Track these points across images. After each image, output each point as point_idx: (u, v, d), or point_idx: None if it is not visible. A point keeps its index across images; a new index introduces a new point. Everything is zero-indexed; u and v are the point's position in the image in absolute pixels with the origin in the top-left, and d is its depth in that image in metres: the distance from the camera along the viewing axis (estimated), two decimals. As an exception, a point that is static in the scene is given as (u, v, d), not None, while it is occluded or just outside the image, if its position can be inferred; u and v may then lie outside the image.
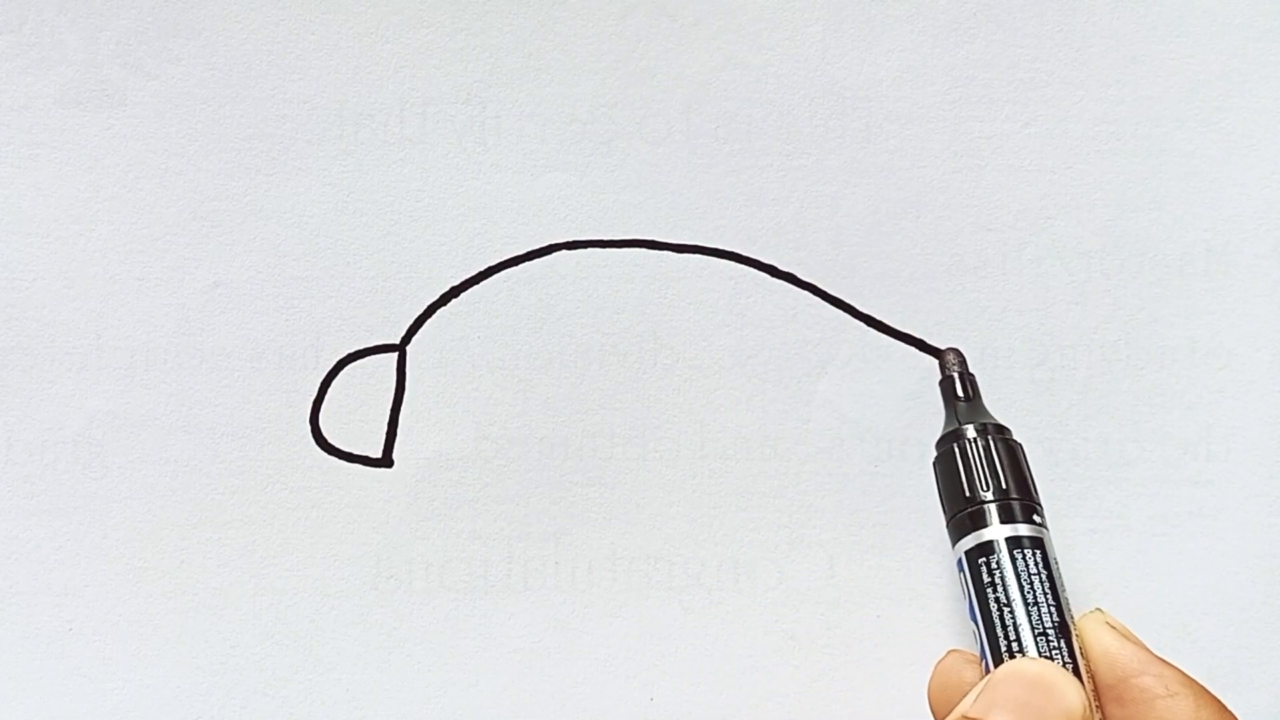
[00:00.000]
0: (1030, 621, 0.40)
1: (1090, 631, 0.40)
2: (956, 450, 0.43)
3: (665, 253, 0.51)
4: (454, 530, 0.50)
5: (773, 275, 0.51)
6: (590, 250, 0.51)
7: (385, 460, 0.50)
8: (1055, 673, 0.38)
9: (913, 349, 0.51)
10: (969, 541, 0.42)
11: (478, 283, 0.51)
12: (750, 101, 0.51)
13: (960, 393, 0.45)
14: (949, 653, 0.44)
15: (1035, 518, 0.42)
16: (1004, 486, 0.42)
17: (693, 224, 0.51)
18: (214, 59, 0.51)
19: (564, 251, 0.51)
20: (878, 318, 0.51)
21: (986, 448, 0.43)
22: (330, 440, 0.50)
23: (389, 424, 0.50)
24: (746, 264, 0.51)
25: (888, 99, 0.51)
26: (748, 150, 0.51)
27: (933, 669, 0.44)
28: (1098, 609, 0.41)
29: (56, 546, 0.50)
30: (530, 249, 0.51)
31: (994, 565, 0.41)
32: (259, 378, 0.50)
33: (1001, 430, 0.44)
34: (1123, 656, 0.40)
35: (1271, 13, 0.51)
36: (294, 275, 0.51)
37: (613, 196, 0.51)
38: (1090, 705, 0.38)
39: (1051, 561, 0.41)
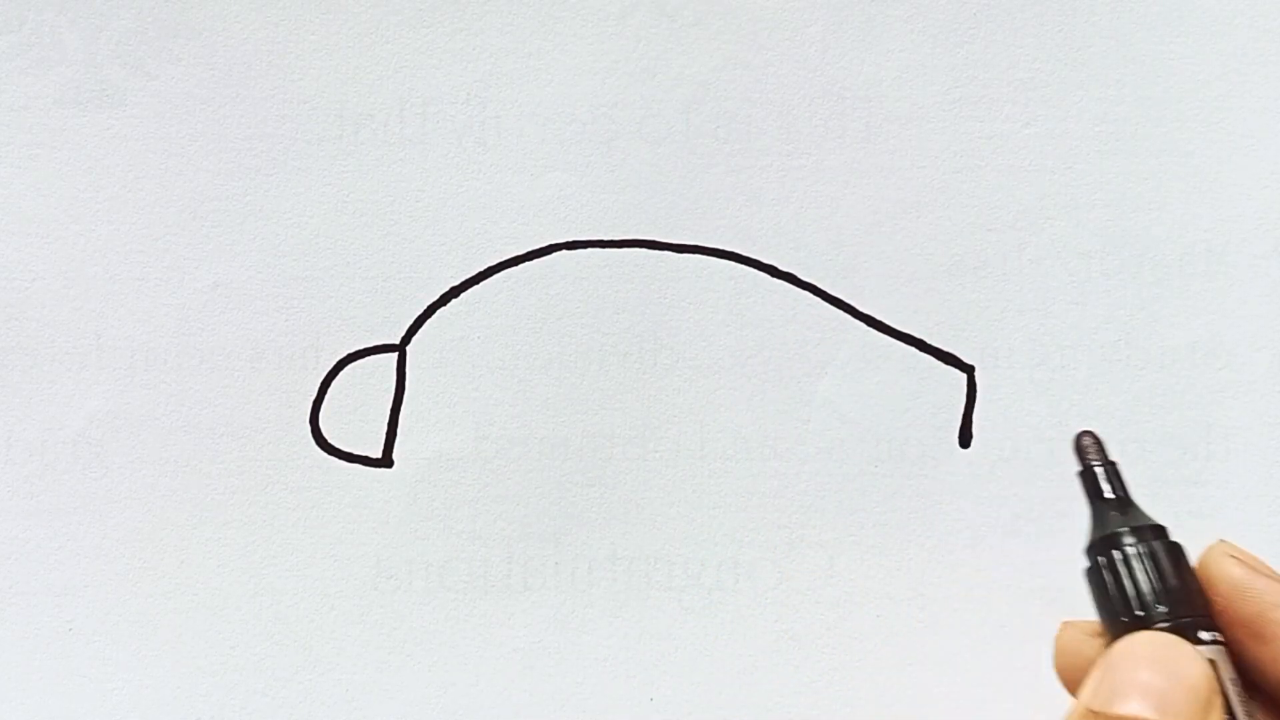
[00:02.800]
0: None
1: (1215, 565, 0.37)
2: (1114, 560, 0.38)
3: (665, 253, 0.51)
4: (454, 530, 0.50)
5: (773, 275, 0.51)
6: (590, 250, 0.51)
7: (385, 460, 0.50)
8: (1170, 647, 0.34)
9: (912, 349, 0.51)
10: None
11: (478, 283, 0.51)
12: (750, 101, 0.51)
13: (1109, 492, 0.39)
14: (1063, 626, 0.40)
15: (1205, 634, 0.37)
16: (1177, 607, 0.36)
17: (693, 224, 0.51)
18: (214, 59, 0.51)
19: (564, 251, 0.51)
20: (878, 318, 0.51)
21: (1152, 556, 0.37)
22: (330, 440, 0.50)
23: (389, 424, 0.50)
24: (746, 264, 0.51)
25: (888, 99, 0.51)
26: (748, 150, 0.51)
27: (1054, 645, 0.40)
28: (1221, 540, 0.37)
29: (56, 546, 0.50)
30: (530, 249, 0.51)
31: None
32: (259, 378, 0.50)
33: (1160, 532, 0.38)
34: (1256, 589, 0.36)
35: (1271, 13, 0.51)
36: (294, 275, 0.51)
37: (613, 196, 0.51)
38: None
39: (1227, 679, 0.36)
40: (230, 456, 0.50)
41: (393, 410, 0.50)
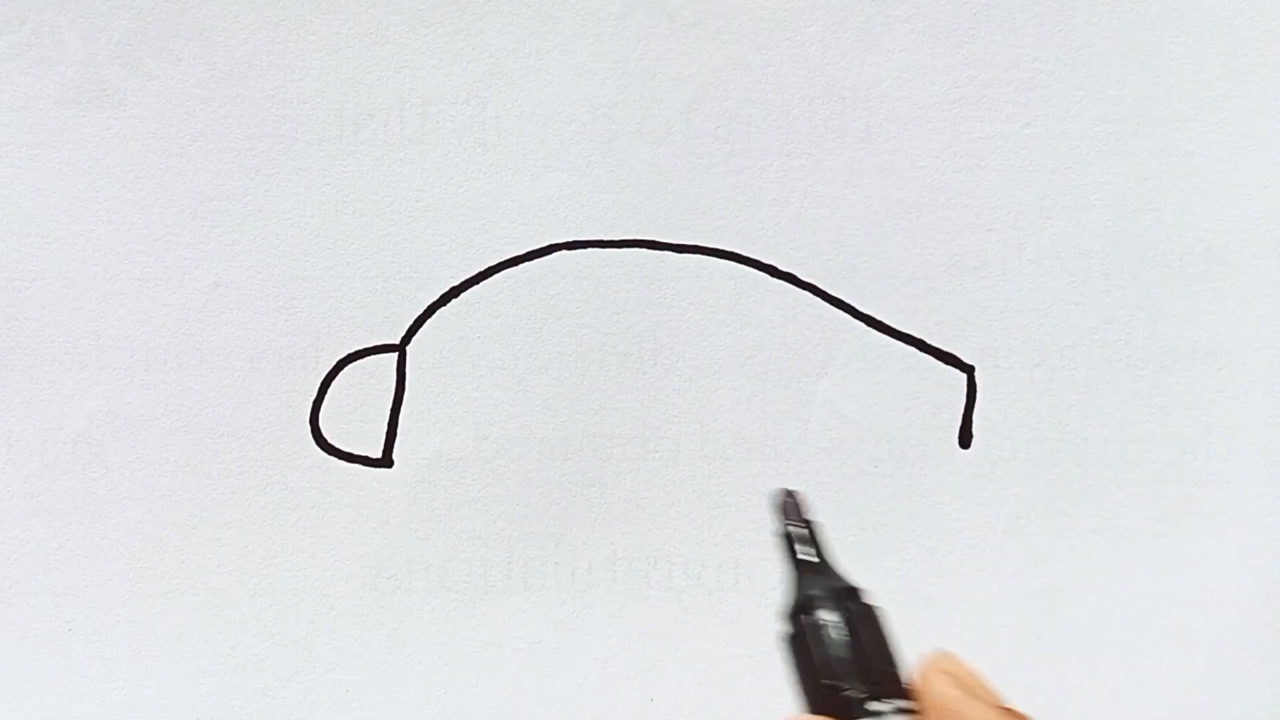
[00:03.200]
0: None
1: (927, 680, 0.36)
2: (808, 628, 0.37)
3: (665, 253, 0.51)
4: (454, 530, 0.50)
5: (773, 275, 0.51)
6: (590, 250, 0.51)
7: (385, 460, 0.50)
8: None
9: (912, 349, 0.51)
10: None
11: (478, 283, 0.51)
12: (750, 101, 0.51)
13: (807, 555, 0.38)
14: None
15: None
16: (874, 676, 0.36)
17: (693, 224, 0.51)
18: (214, 59, 0.51)
19: (564, 251, 0.51)
20: (878, 318, 0.51)
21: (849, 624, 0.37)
22: (330, 440, 0.50)
23: (389, 424, 0.50)
24: (746, 264, 0.51)
25: (888, 99, 0.51)
26: (748, 150, 0.51)
27: None
28: (943, 653, 0.37)
29: (56, 546, 0.50)
30: (530, 249, 0.51)
31: None
32: (259, 378, 0.50)
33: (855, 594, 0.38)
34: (963, 715, 0.34)
35: (1271, 13, 0.51)
36: (294, 275, 0.51)
37: (613, 196, 0.51)
38: None
39: None
40: (230, 456, 0.50)
41: (393, 410, 0.50)
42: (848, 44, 0.51)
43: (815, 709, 0.36)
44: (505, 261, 0.51)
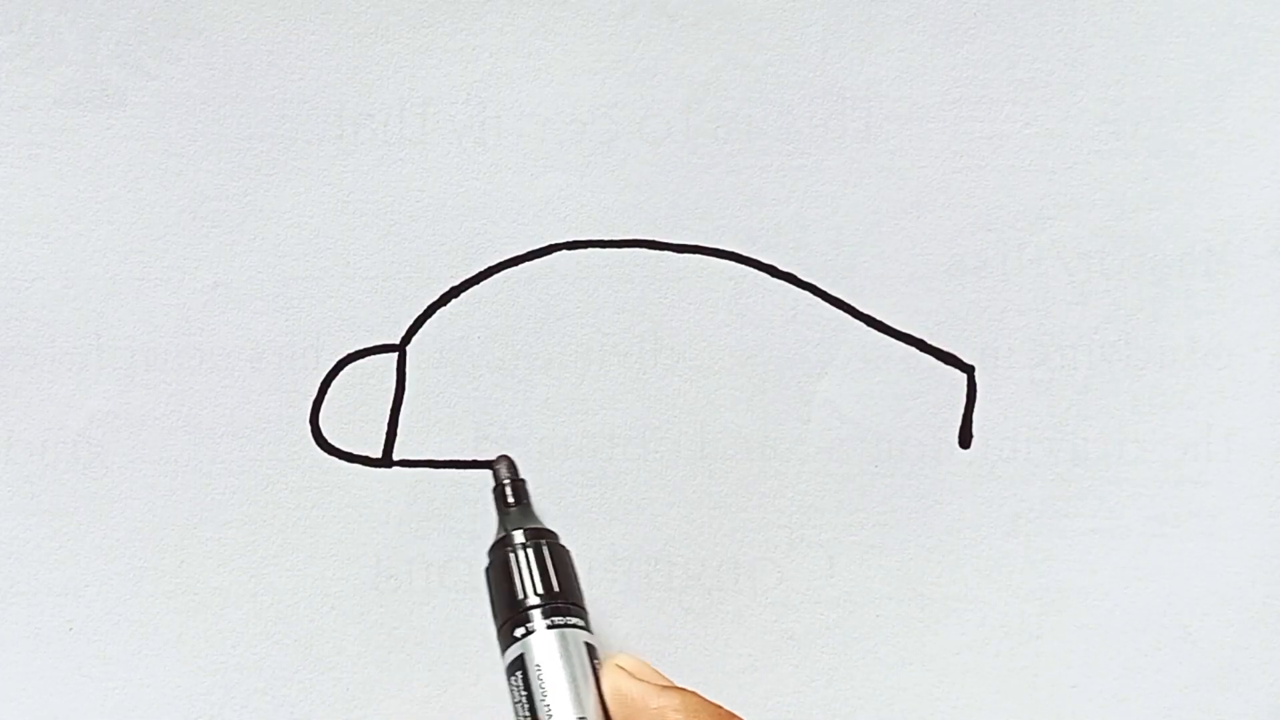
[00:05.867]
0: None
1: (605, 678, 0.42)
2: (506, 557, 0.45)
3: (665, 253, 0.51)
4: (454, 530, 0.50)
5: (773, 275, 0.51)
6: (590, 250, 0.51)
7: (385, 460, 0.50)
8: None
9: (912, 349, 0.51)
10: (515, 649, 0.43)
11: (478, 283, 0.51)
12: (750, 101, 0.51)
13: (511, 499, 0.47)
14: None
15: (574, 619, 0.43)
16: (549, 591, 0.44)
17: (693, 224, 0.51)
18: (214, 59, 0.51)
19: (564, 251, 0.51)
20: (878, 318, 0.51)
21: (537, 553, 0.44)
22: (330, 440, 0.50)
23: (389, 424, 0.50)
24: (746, 264, 0.51)
25: (888, 99, 0.51)
26: (748, 150, 0.51)
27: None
28: (620, 655, 0.43)
29: (56, 546, 0.50)
30: (530, 249, 0.51)
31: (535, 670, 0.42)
32: (259, 378, 0.50)
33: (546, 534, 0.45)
34: (632, 692, 0.41)
35: (1271, 13, 0.51)
36: (294, 275, 0.51)
37: (613, 196, 0.51)
38: None
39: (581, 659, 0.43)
40: (230, 456, 0.50)
41: (393, 410, 0.50)
42: (848, 44, 0.51)
43: (502, 624, 0.43)
44: (505, 261, 0.51)
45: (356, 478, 0.50)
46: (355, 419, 0.50)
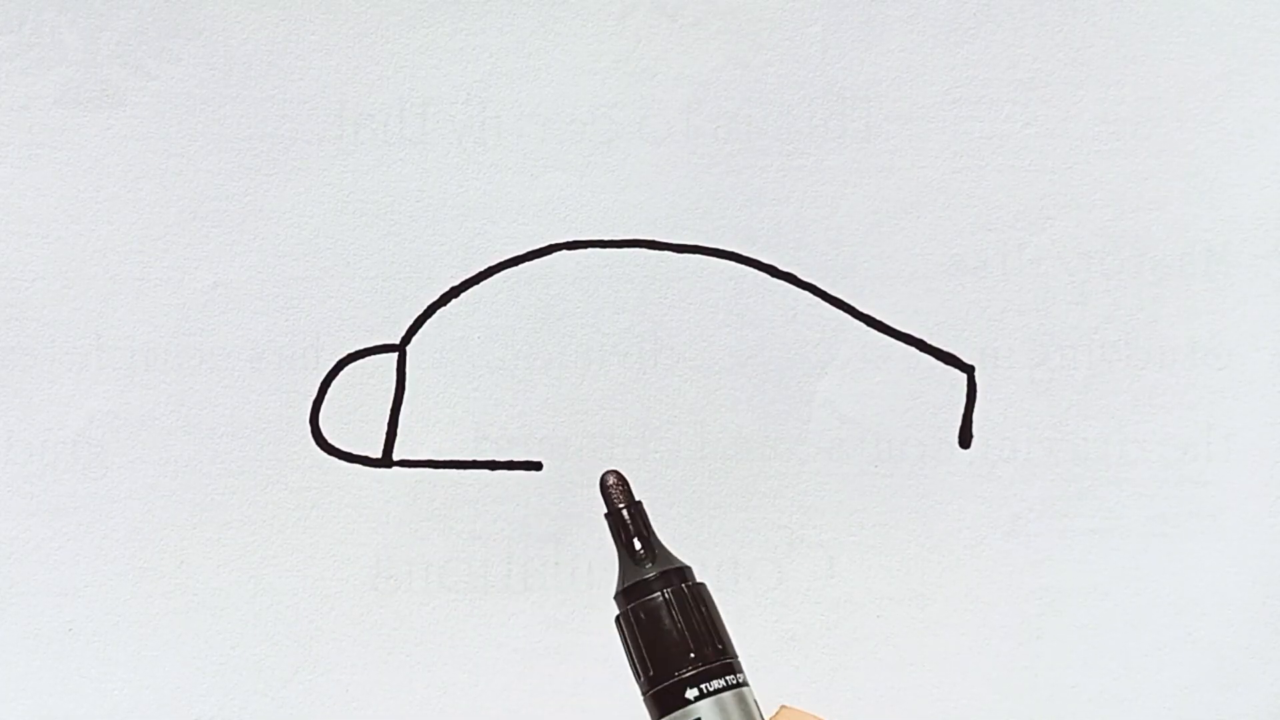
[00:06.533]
0: None
1: None
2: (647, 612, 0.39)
3: (665, 253, 0.51)
4: (454, 530, 0.50)
5: (773, 275, 0.51)
6: (590, 250, 0.51)
7: (385, 460, 0.50)
8: None
9: (912, 349, 0.51)
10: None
11: (478, 283, 0.51)
12: (750, 101, 0.51)
13: (639, 547, 0.40)
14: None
15: (729, 677, 0.38)
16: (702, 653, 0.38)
17: (693, 224, 0.51)
18: (214, 59, 0.51)
19: (564, 251, 0.51)
20: (878, 318, 0.51)
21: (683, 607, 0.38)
22: (330, 440, 0.50)
23: (389, 424, 0.50)
24: (746, 264, 0.51)
25: (888, 99, 0.51)
26: (748, 150, 0.51)
27: None
28: (784, 707, 0.39)
29: (56, 546, 0.50)
30: (530, 249, 0.51)
31: None
32: (259, 378, 0.50)
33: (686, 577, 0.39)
34: None
35: (1271, 13, 0.51)
36: (294, 275, 0.51)
37: (613, 196, 0.51)
38: None
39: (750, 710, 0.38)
40: (230, 456, 0.50)
41: (393, 410, 0.50)
42: (848, 44, 0.51)
43: (649, 689, 0.38)
44: (505, 261, 0.51)
45: (356, 478, 0.50)
46: (355, 419, 0.50)
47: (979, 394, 0.51)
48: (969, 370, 0.51)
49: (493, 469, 0.50)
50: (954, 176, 0.51)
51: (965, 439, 0.51)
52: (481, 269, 0.51)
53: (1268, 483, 0.50)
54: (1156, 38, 0.51)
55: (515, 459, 0.50)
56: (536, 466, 0.50)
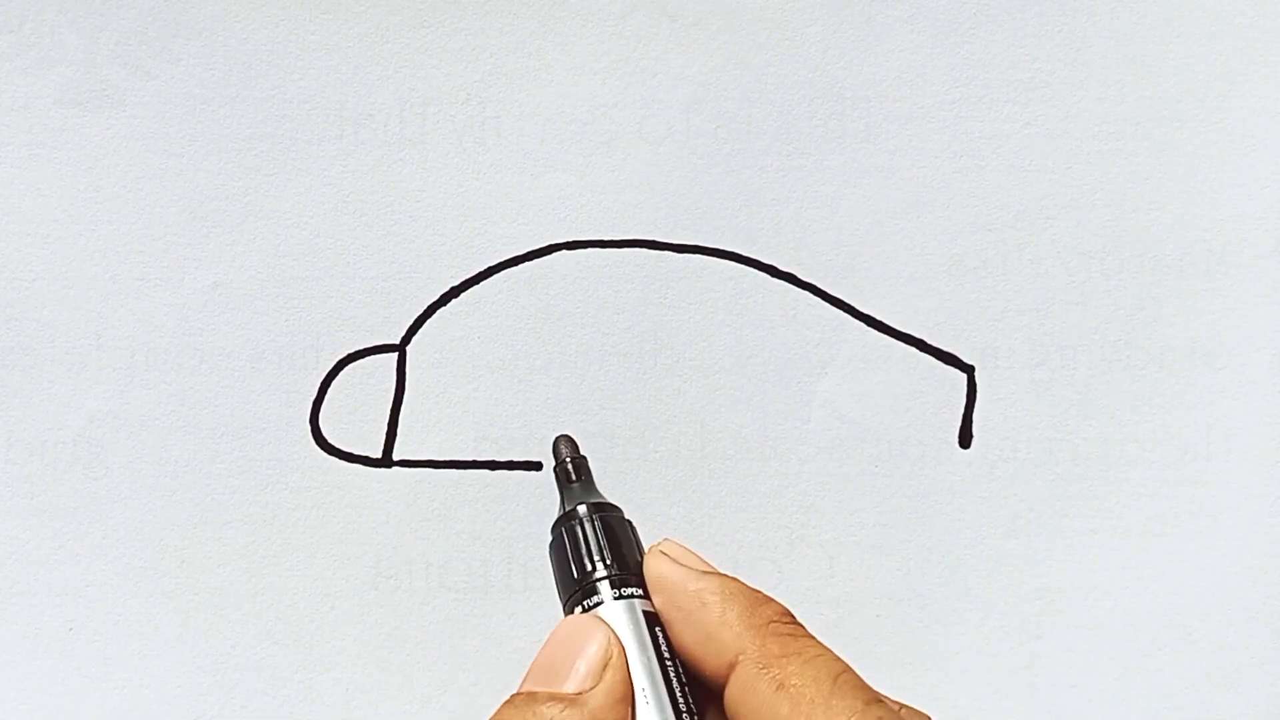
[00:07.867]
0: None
1: (648, 562, 0.41)
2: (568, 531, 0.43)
3: (665, 253, 0.51)
4: (454, 530, 0.50)
5: (773, 275, 0.51)
6: (590, 250, 0.51)
7: (385, 460, 0.50)
8: (576, 625, 0.39)
9: (912, 349, 0.51)
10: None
11: (478, 283, 0.51)
12: (750, 101, 0.51)
13: (574, 475, 0.44)
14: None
15: (639, 590, 0.41)
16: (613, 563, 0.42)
17: (693, 224, 0.51)
18: (214, 59, 0.51)
19: (564, 251, 0.51)
20: (878, 318, 0.51)
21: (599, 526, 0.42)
22: (330, 440, 0.50)
23: (389, 424, 0.50)
24: (746, 264, 0.51)
25: (888, 99, 0.51)
26: (748, 150, 0.51)
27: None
28: (665, 539, 0.41)
29: (57, 546, 0.50)
30: (530, 249, 0.51)
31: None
32: (259, 378, 0.50)
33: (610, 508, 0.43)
34: (672, 576, 0.40)
35: (1271, 13, 0.51)
36: (294, 275, 0.51)
37: (613, 196, 0.51)
38: (621, 651, 0.39)
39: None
40: (230, 456, 0.50)
41: (393, 410, 0.50)
42: (848, 44, 0.51)
43: (567, 599, 0.41)
44: (505, 261, 0.51)
45: (356, 478, 0.50)
46: (355, 419, 0.50)
47: (979, 394, 0.51)
48: (969, 370, 0.51)
49: (493, 469, 0.50)
50: (954, 176, 0.51)
51: (965, 439, 0.51)
52: (481, 269, 0.51)
53: (1267, 483, 0.50)
54: (1156, 38, 0.51)
55: (515, 459, 0.50)
56: (536, 466, 0.50)
